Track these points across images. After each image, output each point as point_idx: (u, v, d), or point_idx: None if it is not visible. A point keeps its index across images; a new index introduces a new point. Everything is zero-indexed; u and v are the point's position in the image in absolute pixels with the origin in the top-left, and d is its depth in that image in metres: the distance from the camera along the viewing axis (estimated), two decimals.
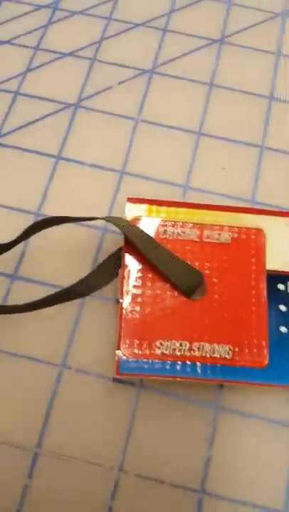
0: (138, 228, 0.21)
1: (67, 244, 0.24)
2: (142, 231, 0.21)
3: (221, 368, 0.20)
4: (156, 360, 0.20)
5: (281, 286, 0.21)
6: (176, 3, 0.31)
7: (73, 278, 0.21)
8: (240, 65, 0.29)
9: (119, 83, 0.28)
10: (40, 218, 0.22)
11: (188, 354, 0.20)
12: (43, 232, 0.22)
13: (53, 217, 0.22)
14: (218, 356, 0.20)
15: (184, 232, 0.22)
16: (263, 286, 0.21)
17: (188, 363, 0.20)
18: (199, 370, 0.20)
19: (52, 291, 0.21)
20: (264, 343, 0.20)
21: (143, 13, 0.30)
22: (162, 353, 0.20)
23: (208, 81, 0.28)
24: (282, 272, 0.22)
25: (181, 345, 0.20)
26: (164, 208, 0.22)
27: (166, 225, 0.22)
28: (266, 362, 0.20)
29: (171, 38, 0.30)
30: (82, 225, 0.24)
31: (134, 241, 0.20)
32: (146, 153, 0.26)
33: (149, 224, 0.22)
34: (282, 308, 0.21)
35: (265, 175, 0.26)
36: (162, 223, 0.22)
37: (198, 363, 0.20)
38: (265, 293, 0.21)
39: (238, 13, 0.31)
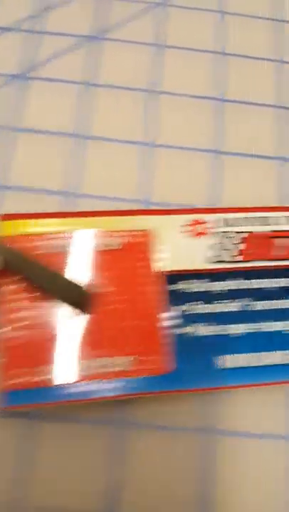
0: (11, 248, 0.20)
1: None
2: (18, 250, 0.19)
3: (123, 382, 0.19)
4: (47, 386, 0.18)
5: (180, 286, 0.20)
6: (48, 1, 0.30)
7: None
8: (118, 60, 0.28)
9: None
10: None
11: (85, 373, 0.19)
12: None
13: None
14: (117, 370, 0.19)
15: (68, 244, 0.20)
16: (156, 288, 0.20)
17: (84, 382, 0.18)
18: (97, 389, 0.18)
19: None
20: (166, 348, 0.19)
21: (10, 16, 0.29)
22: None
23: (83, 80, 0.27)
24: (179, 270, 0.21)
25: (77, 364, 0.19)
26: (44, 221, 0.21)
27: (47, 239, 0.20)
28: (170, 367, 0.19)
29: (43, 40, 0.28)
30: None
31: (9, 262, 0.19)
32: (26, 164, 0.25)
33: (29, 240, 0.20)
34: (184, 307, 0.20)
35: (155, 173, 0.25)
36: (42, 238, 0.20)
37: (95, 381, 0.18)
38: (160, 295, 0.20)
39: (113, 7, 0.30)
